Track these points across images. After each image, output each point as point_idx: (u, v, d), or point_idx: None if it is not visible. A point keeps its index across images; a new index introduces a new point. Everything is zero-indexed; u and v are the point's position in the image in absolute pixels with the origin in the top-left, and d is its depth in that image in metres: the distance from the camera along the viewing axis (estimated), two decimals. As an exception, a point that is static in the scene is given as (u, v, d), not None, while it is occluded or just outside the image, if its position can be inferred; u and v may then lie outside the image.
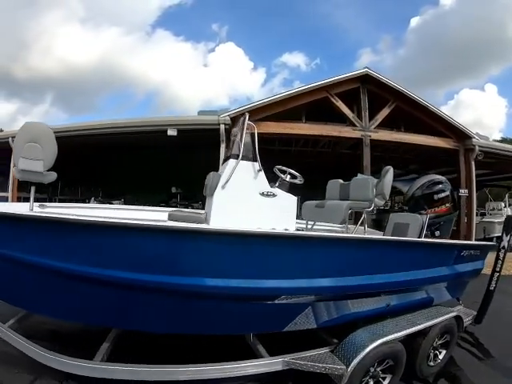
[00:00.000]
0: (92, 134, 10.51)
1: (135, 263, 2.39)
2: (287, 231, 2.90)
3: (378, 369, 2.90)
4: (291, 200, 3.29)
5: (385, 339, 2.85)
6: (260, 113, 9.66)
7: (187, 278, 2.44)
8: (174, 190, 18.14)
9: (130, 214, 4.08)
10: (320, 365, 2.71)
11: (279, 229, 2.98)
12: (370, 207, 3.98)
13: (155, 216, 3.86)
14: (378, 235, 4.48)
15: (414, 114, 10.35)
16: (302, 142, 12.04)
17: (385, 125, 10.27)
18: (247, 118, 3.23)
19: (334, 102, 9.96)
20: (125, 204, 12.42)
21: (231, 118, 9.34)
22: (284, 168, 3.63)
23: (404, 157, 12.63)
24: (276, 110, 9.81)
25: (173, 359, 2.72)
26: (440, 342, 3.54)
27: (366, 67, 9.91)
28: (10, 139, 10.14)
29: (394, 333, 3.00)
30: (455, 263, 3.96)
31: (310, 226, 4.79)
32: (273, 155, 13.09)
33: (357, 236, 3.17)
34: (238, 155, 3.10)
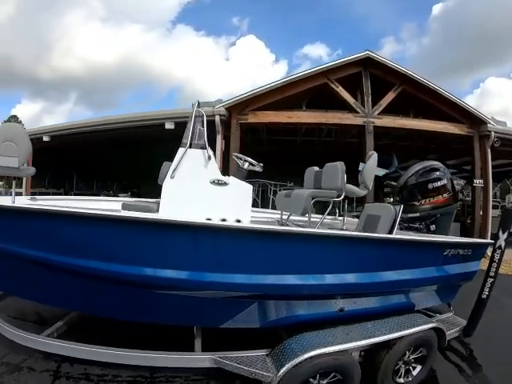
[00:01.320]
0: (95, 130, 10.61)
1: (71, 248, 2.43)
2: (204, 221, 2.63)
3: (324, 382, 2.58)
4: (245, 189, 3.12)
5: (321, 351, 2.50)
6: (258, 102, 9.28)
7: (122, 265, 2.41)
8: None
9: (102, 205, 3.98)
10: (246, 368, 2.52)
11: (231, 219, 2.93)
12: (338, 196, 3.61)
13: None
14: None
15: (422, 99, 9.45)
16: (306, 131, 11.32)
17: (390, 111, 9.43)
18: (196, 105, 3.19)
19: (334, 87, 9.21)
20: (132, 197, 12.42)
21: (226, 109, 9.07)
22: (240, 155, 3.48)
23: (416, 145, 11.59)
24: (274, 99, 9.27)
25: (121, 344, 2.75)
26: (414, 356, 3.05)
27: (367, 49, 9.05)
28: None
29: (338, 344, 2.61)
30: (436, 264, 3.38)
31: (286, 217, 4.45)
32: (278, 145, 12.48)
33: (290, 229, 2.78)
34: (187, 143, 3.03)
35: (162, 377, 2.86)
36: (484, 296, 3.54)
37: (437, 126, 9.43)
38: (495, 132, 9.35)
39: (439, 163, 5.48)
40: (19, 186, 12.01)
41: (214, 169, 3.04)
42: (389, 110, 9.38)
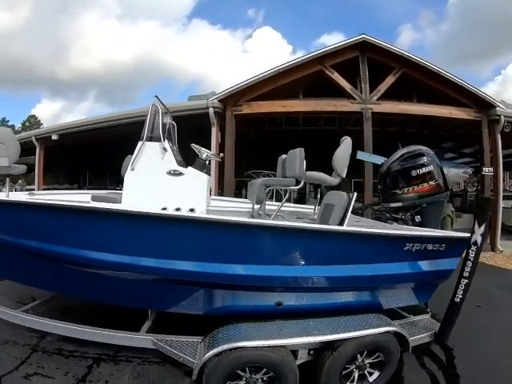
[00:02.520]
0: (100, 127, 10.55)
1: (41, 234, 2.59)
2: (132, 210, 2.55)
3: (257, 376, 2.49)
4: (200, 178, 3.20)
5: (244, 344, 2.42)
6: (252, 92, 8.92)
7: (73, 248, 2.52)
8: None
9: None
10: (176, 352, 2.56)
11: (185, 208, 3.03)
12: (296, 185, 3.43)
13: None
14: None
15: (425, 83, 8.74)
16: (307, 120, 10.84)
17: (391, 96, 8.78)
18: (153, 99, 3.31)
19: (330, 74, 8.67)
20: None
21: (221, 101, 8.80)
22: (197, 146, 3.55)
23: (423, 133, 10.82)
24: (268, 88, 8.87)
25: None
26: (369, 360, 2.78)
27: (363, 33, 8.41)
28: (33, 138, 11.98)
29: (264, 339, 2.47)
30: (395, 260, 2.95)
31: (258, 207, 4.20)
32: (280, 136, 11.98)
33: (216, 218, 2.57)
34: (144, 137, 3.16)
35: (123, 356, 3.11)
36: (457, 299, 3.02)
37: (441, 111, 8.72)
38: (505, 116, 8.56)
39: (426, 148, 4.86)
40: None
41: (170, 160, 3.12)
42: (389, 96, 8.75)
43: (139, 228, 2.50)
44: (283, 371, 2.46)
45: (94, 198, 3.22)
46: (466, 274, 2.96)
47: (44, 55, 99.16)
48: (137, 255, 2.50)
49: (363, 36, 8.36)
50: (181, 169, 3.14)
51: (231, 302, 2.82)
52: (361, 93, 8.58)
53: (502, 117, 8.47)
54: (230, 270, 2.55)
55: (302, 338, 2.55)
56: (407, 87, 9.06)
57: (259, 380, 2.52)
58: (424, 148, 4.84)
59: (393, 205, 4.70)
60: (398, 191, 4.65)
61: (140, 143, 3.15)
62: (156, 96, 3.42)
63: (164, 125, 3.45)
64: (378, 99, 8.55)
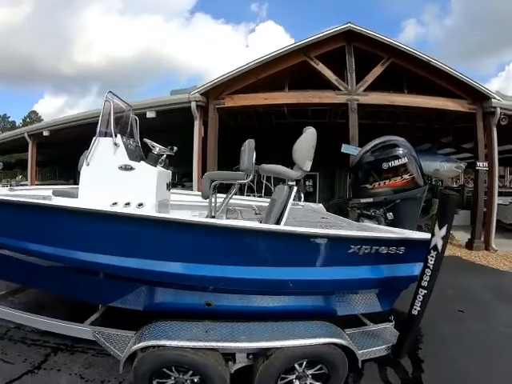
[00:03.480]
0: (87, 123, 10.08)
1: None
2: (56, 204, 2.60)
3: (185, 377, 2.42)
4: (150, 173, 3.13)
5: (163, 343, 2.35)
6: (235, 85, 8.54)
7: (28, 243, 2.53)
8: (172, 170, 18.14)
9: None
10: (108, 345, 2.58)
11: (134, 202, 2.98)
12: (245, 178, 3.25)
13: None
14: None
15: (416, 73, 8.18)
16: (295, 113, 10.22)
17: (380, 87, 8.22)
18: (106, 95, 3.27)
19: (314, 65, 8.17)
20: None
21: (202, 94, 8.47)
22: (149, 141, 3.52)
23: (417, 126, 10.25)
24: (251, 81, 8.46)
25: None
26: (312, 371, 2.53)
27: (349, 22, 7.84)
28: (26, 134, 11.93)
29: (184, 340, 2.38)
30: (339, 264, 2.55)
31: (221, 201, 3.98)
32: (268, 129, 11.55)
33: (136, 214, 2.51)
34: (97, 132, 3.15)
35: (80, 347, 3.19)
36: (415, 312, 2.56)
37: (433, 103, 8.15)
38: (501, 108, 7.95)
39: (400, 138, 4.34)
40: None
41: (122, 155, 3.07)
42: (378, 87, 8.19)
43: (69, 222, 2.48)
44: (208, 374, 2.35)
45: (55, 193, 3.29)
46: (424, 284, 2.50)
47: (46, 51, 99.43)
48: (69, 248, 2.48)
49: (349, 25, 7.82)
50: (132, 163, 3.07)
51: (162, 299, 2.75)
52: (347, 84, 8.05)
53: (498, 109, 7.87)
54: (155, 266, 2.41)
55: (227, 343, 2.40)
56: (397, 78, 8.54)
57: (188, 381, 2.43)
58: (399, 139, 4.35)
59: (363, 200, 4.24)
60: (368, 185, 4.19)
61: (94, 139, 3.12)
62: (110, 91, 3.34)
63: (119, 120, 3.50)
64: (364, 90, 8.01)
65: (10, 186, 4.64)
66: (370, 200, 4.06)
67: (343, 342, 2.49)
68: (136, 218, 2.41)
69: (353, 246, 2.45)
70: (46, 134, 11.34)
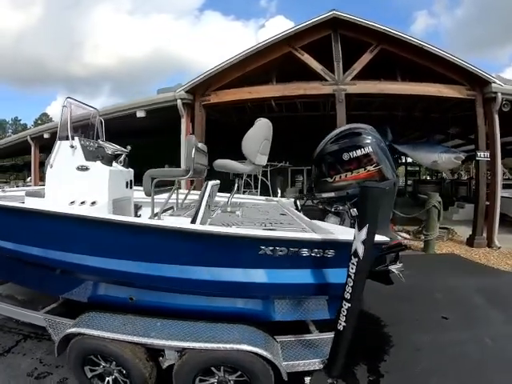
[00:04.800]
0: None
1: None
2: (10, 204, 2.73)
3: (112, 366, 2.49)
4: (102, 172, 3.19)
5: (81, 330, 2.45)
6: (220, 81, 8.27)
7: None
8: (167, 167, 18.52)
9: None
10: (51, 331, 2.74)
11: (89, 201, 3.06)
12: (184, 174, 3.13)
13: None
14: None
15: (409, 59, 7.52)
16: (286, 107, 9.76)
17: (371, 76, 7.62)
18: (65, 101, 3.35)
19: (299, 56, 7.70)
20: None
21: (188, 92, 8.31)
22: (101, 142, 3.64)
23: (415, 115, 9.52)
24: (236, 75, 8.13)
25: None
26: (234, 377, 2.37)
27: (334, 9, 7.27)
28: (28, 137, 12.24)
29: (100, 331, 2.44)
30: (251, 266, 2.33)
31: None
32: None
33: (56, 212, 2.53)
34: (57, 136, 3.26)
35: (47, 335, 3.02)
36: (340, 327, 2.02)
37: (427, 89, 7.48)
38: (503, 94, 7.19)
39: (371, 127, 3.75)
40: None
41: (79, 156, 3.15)
42: (369, 76, 7.58)
43: (13, 219, 2.71)
44: (127, 366, 2.40)
45: (27, 193, 3.40)
46: (347, 296, 1.94)
47: (58, 53, 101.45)
48: (16, 242, 2.69)
49: (333, 12, 7.27)
50: (88, 164, 3.15)
51: (96, 292, 2.82)
52: (333, 74, 7.46)
53: (499, 94, 7.12)
54: (81, 260, 2.49)
55: (138, 338, 2.40)
56: (390, 66, 7.88)
57: (115, 371, 2.50)
58: (365, 126, 3.76)
59: (325, 195, 3.71)
60: (328, 179, 3.65)
61: (55, 142, 3.24)
62: (68, 97, 3.43)
63: (84, 125, 3.75)
64: (352, 79, 7.44)
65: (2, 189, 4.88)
66: (332, 195, 3.53)
67: (259, 350, 2.24)
68: (58, 215, 2.49)
69: (263, 247, 2.18)
70: (46, 136, 11.42)
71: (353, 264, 1.93)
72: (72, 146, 3.15)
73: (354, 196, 3.44)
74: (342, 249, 2.11)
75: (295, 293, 2.48)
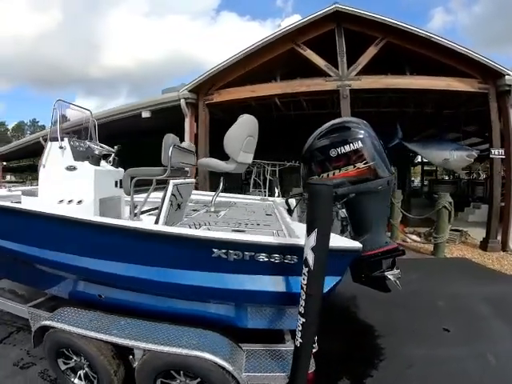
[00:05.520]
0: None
1: None
2: None
3: (82, 361, 2.52)
4: (88, 172, 3.23)
5: (50, 323, 2.52)
6: (223, 79, 8.11)
7: None
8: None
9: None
10: (32, 323, 2.84)
11: (76, 199, 3.12)
12: (162, 173, 3.01)
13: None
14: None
15: (417, 52, 7.07)
16: (294, 105, 9.41)
17: (377, 71, 7.16)
18: (56, 103, 3.42)
19: (302, 52, 7.41)
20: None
21: (192, 91, 8.22)
22: (88, 142, 3.68)
23: (426, 112, 9.03)
24: (239, 73, 7.92)
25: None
26: (194, 382, 2.23)
27: (336, 2, 6.88)
28: (41, 138, 12.15)
29: (66, 325, 2.47)
30: (200, 269, 2.19)
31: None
32: (271, 122, 10.72)
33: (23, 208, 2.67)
34: (47, 138, 3.36)
35: None
36: (297, 344, 1.79)
37: (437, 83, 7.01)
38: (518, 86, 6.59)
39: (361, 121, 3.40)
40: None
41: (68, 156, 3.21)
42: (375, 71, 7.14)
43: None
44: (92, 363, 2.42)
45: (23, 192, 3.50)
46: (301, 310, 1.68)
47: (76, 56, 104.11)
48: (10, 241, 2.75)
49: (336, 5, 6.94)
50: (76, 164, 3.21)
51: (69, 288, 2.89)
52: (337, 69, 7.11)
53: (515, 87, 6.56)
54: (52, 256, 2.55)
55: (97, 334, 2.38)
56: (397, 60, 7.47)
57: (85, 366, 2.54)
58: (356, 119, 3.41)
59: (313, 195, 3.36)
60: (316, 177, 3.30)
61: (47, 143, 3.33)
62: (59, 100, 3.51)
63: (73, 125, 4.21)
64: (357, 74, 7.06)
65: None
66: (320, 194, 3.22)
67: (215, 358, 2.09)
68: (27, 213, 2.61)
69: (216, 250, 2.04)
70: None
71: (304, 274, 1.67)
72: (61, 147, 3.24)
73: (344, 196, 3.13)
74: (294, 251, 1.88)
75: (253, 300, 2.28)
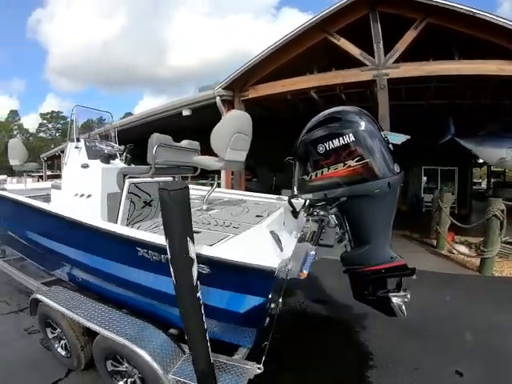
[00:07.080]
0: (133, 126, 10.76)
1: None
2: None
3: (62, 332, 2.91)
4: (96, 169, 3.40)
5: (38, 296, 3.02)
6: (257, 75, 7.98)
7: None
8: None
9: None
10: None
11: (86, 193, 3.33)
12: (148, 171, 3.21)
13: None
14: None
15: (463, 33, 6.13)
16: (324, 98, 8.83)
17: (415, 57, 6.36)
18: (74, 108, 3.81)
19: (335, 41, 6.90)
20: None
21: (226, 89, 8.15)
22: (98, 143, 3.85)
23: (482, 103, 7.84)
24: (272, 68, 7.67)
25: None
26: (136, 372, 2.30)
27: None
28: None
29: (46, 298, 2.94)
30: (129, 264, 2.36)
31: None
32: (301, 117, 10.29)
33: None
34: (68, 138, 3.73)
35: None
36: None
37: (485, 67, 6.03)
38: None
39: (355, 109, 2.93)
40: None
41: (83, 155, 3.48)
42: (414, 57, 6.37)
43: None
44: (64, 334, 2.81)
45: (53, 185, 3.79)
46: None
47: (144, 58, 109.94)
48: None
49: (366, -12, 6.23)
50: (89, 162, 3.44)
51: (62, 270, 3.48)
52: (373, 58, 6.50)
53: None
54: (42, 241, 3.23)
55: (65, 310, 2.70)
56: (439, 44, 6.65)
57: (64, 337, 2.89)
58: (349, 108, 2.95)
59: (304, 196, 3.08)
60: (305, 177, 2.96)
61: (67, 144, 3.69)
62: (77, 105, 3.87)
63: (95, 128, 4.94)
64: (395, 62, 6.39)
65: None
66: (310, 196, 2.87)
67: (141, 352, 2.14)
68: (18, 202, 3.44)
69: (139, 249, 2.18)
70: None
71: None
72: (76, 147, 3.55)
73: (335, 200, 2.74)
74: (219, 268, 1.80)
75: (161, 301, 2.36)
